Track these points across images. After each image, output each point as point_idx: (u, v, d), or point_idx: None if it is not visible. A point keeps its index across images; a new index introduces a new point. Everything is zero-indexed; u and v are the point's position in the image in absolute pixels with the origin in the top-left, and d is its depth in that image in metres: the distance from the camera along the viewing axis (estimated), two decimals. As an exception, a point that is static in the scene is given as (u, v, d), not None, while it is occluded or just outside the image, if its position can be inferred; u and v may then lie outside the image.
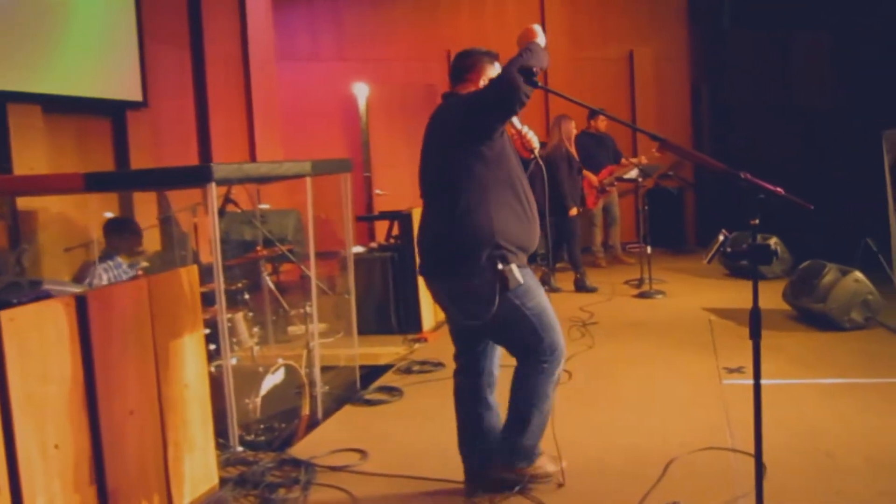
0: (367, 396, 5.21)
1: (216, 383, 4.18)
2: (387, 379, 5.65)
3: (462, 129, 3.40)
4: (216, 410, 4.05)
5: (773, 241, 8.85)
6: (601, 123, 10.00)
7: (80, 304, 3.13)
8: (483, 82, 3.56)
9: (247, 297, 5.48)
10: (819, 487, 3.56)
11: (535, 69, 3.23)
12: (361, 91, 10.85)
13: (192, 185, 4.56)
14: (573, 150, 8.55)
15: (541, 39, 3.47)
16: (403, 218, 7.27)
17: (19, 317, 2.83)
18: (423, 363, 5.87)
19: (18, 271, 5.41)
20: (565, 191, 8.32)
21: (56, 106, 6.43)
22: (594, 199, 9.88)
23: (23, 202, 5.83)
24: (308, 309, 5.28)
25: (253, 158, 8.95)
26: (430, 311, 7.21)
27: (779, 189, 2.60)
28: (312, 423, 4.86)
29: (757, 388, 2.66)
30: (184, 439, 3.66)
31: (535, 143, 3.64)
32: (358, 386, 5.46)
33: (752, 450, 3.81)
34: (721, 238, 7.83)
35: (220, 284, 4.22)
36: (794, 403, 4.72)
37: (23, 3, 6.14)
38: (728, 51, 12.12)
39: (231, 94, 8.94)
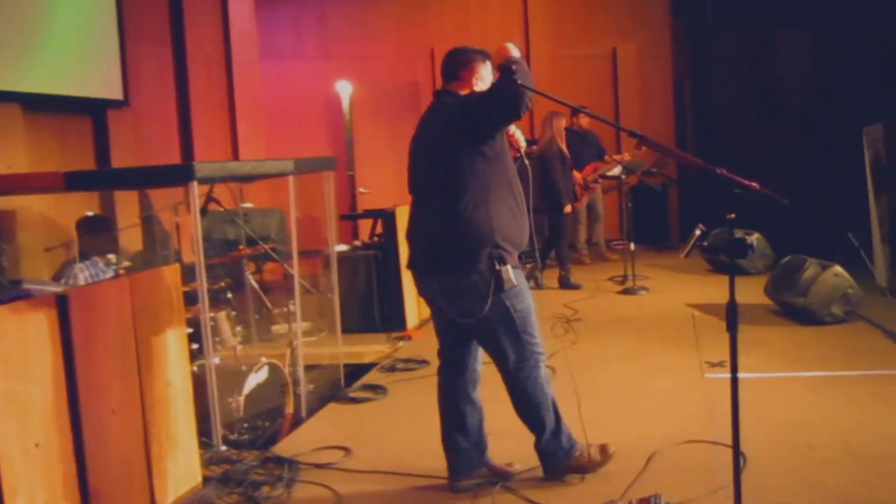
0: (352, 394, 5.22)
1: (199, 382, 4.17)
2: (371, 377, 5.65)
3: (464, 129, 3.43)
4: (199, 409, 4.04)
5: (755, 237, 8.98)
6: (584, 120, 10.04)
7: (62, 303, 3.11)
8: (476, 80, 3.60)
9: (230, 296, 5.47)
10: (799, 479, 3.60)
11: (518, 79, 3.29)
12: (345, 89, 10.83)
13: (173, 184, 4.54)
14: (564, 147, 8.58)
15: (515, 54, 3.51)
16: (387, 216, 7.26)
17: (-1, 316, 2.82)
18: (407, 361, 5.88)
19: (-1, 271, 5.38)
20: (560, 187, 8.35)
21: (36, 105, 6.38)
22: (579, 197, 9.92)
23: (2, 201, 5.79)
24: (291, 307, 5.28)
25: (236, 157, 8.91)
26: (414, 309, 7.22)
27: (754, 184, 2.62)
28: (296, 422, 4.85)
29: (734, 379, 2.69)
30: (167, 438, 3.65)
31: (522, 143, 3.71)
32: (342, 384, 5.46)
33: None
34: (697, 232, 7.92)
35: (202, 283, 4.22)
36: (776, 396, 4.77)
37: (2, 1, 6.09)
38: (711, 48, 12.20)
39: (213, 92, 8.89)
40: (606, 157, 9.93)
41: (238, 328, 5.42)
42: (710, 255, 9.09)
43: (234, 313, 5.35)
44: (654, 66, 12.22)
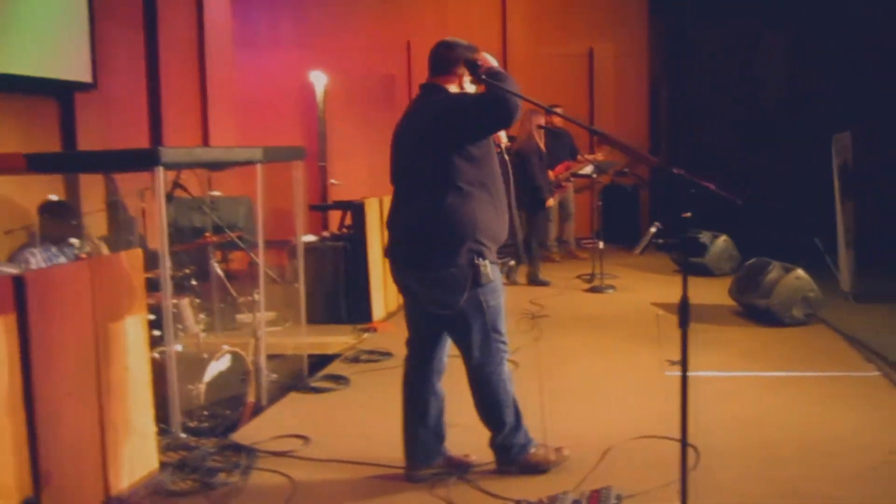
0: (314, 384, 5.21)
1: (160, 369, 4.15)
2: (334, 367, 5.65)
3: (453, 130, 3.44)
4: (159, 396, 4.03)
5: (723, 239, 9.09)
6: (557, 119, 10.06)
7: (19, 285, 3.09)
8: (465, 76, 3.61)
9: (194, 283, 5.44)
10: (750, 474, 3.66)
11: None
12: (320, 80, 10.78)
13: (138, 169, 4.49)
14: (541, 144, 8.63)
15: (495, 64, 3.57)
16: (356, 208, 7.25)
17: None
18: (371, 352, 5.88)
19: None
20: (539, 183, 8.41)
21: (0, 85, 6.30)
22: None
23: (-36, 183, 5.72)
24: (256, 297, 5.26)
25: (206, 144, 8.85)
26: (380, 302, 7.22)
27: (711, 185, 2.66)
28: (257, 410, 4.85)
29: (684, 374, 2.74)
30: (123, 423, 3.63)
31: (504, 139, 3.79)
32: (305, 374, 5.45)
33: (690, 438, 3.91)
34: (653, 230, 8.00)
35: (165, 270, 4.20)
36: (734, 395, 4.84)
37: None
38: (688, 50, 12.28)
39: (185, 78, 8.82)
40: (579, 157, 9.98)
41: (202, 316, 5.39)
42: (665, 252, 9.23)
43: (197, 301, 5.33)
44: (630, 66, 12.31)
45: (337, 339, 6.40)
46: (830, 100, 10.43)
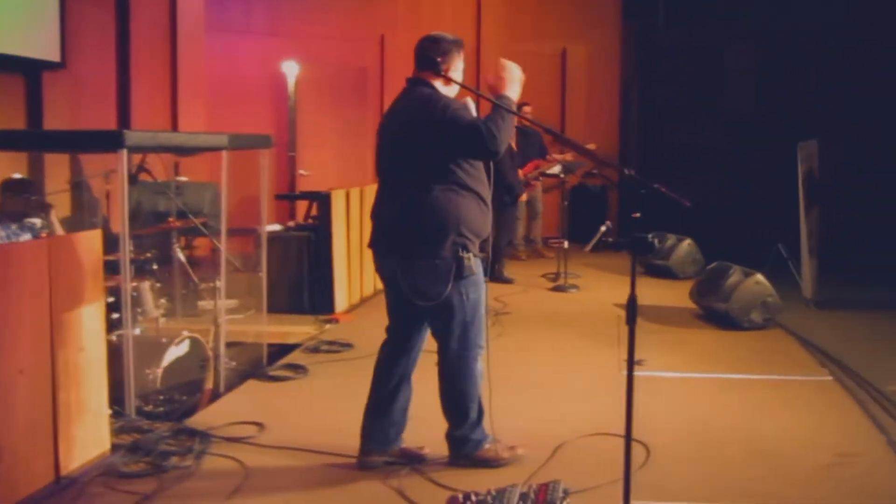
0: (272, 373, 5.21)
1: (117, 352, 4.13)
2: (293, 357, 5.65)
3: (440, 141, 3.47)
4: (116, 379, 4.01)
5: (687, 243, 9.20)
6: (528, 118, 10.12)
7: (-28, 260, 3.07)
8: (453, 72, 3.65)
9: (155, 267, 5.40)
10: (699, 472, 3.73)
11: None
12: (292, 69, 10.72)
13: (102, 150, 4.48)
14: (512, 143, 8.68)
15: (516, 77, 3.65)
16: (322, 198, 7.24)
17: None
18: (331, 343, 5.89)
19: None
20: (511, 180, 8.46)
21: (-36, 61, 6.23)
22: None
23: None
24: (217, 284, 5.25)
25: (175, 129, 8.79)
26: (343, 293, 7.22)
27: (661, 187, 2.72)
28: (214, 397, 4.84)
29: (630, 370, 2.80)
30: (76, 403, 3.62)
31: None
32: (264, 362, 5.45)
33: (642, 436, 3.99)
34: (603, 228, 8.05)
35: (125, 252, 4.19)
36: (689, 395, 4.92)
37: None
38: (660, 55, 12.41)
39: (156, 61, 8.74)
40: (548, 157, 10.05)
41: (162, 301, 5.37)
42: (616, 250, 9.44)
43: (158, 285, 5.30)
44: (602, 68, 12.39)
45: (298, 329, 6.40)
46: (797, 107, 10.60)
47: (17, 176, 5.45)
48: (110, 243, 4.34)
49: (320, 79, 10.91)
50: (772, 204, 9.53)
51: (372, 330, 6.40)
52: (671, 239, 9.31)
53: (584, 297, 8.06)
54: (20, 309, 3.29)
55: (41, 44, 6.93)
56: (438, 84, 3.63)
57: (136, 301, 4.90)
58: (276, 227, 7.34)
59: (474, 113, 3.65)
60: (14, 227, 4.87)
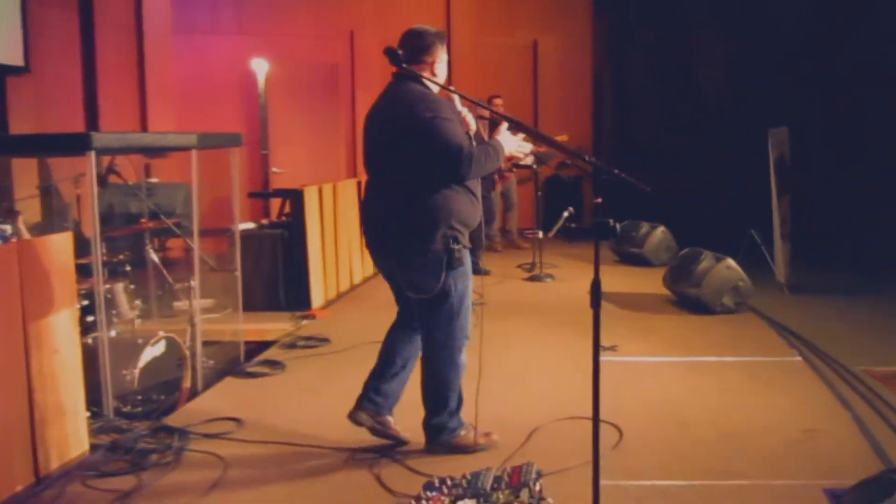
0: (249, 370, 5.24)
1: (93, 354, 4.15)
2: (270, 353, 5.67)
3: (419, 144, 3.52)
4: (92, 381, 4.03)
5: (661, 230, 9.30)
6: (499, 109, 10.18)
7: (-58, 265, 3.08)
8: (436, 64, 3.69)
9: (128, 269, 5.40)
10: (668, 453, 3.82)
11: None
12: (261, 67, 10.70)
13: (70, 153, 4.48)
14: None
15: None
16: (296, 195, 7.26)
17: None
18: (308, 339, 5.92)
19: None
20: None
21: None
22: (496, 182, 10.08)
23: None
24: (192, 284, 5.26)
25: (144, 131, 8.75)
26: (319, 289, 7.25)
27: (622, 173, 2.80)
28: (193, 395, 4.86)
29: (596, 353, 2.87)
30: (53, 405, 3.63)
31: (473, 126, 3.88)
32: (241, 360, 5.47)
33: (615, 419, 4.08)
34: (566, 214, 8.16)
35: (97, 254, 4.19)
36: (659, 379, 5.00)
37: None
38: (632, 45, 12.48)
39: (123, 63, 8.70)
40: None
41: (137, 302, 5.37)
42: (579, 237, 9.91)
43: (132, 287, 5.30)
44: (574, 59, 12.46)
45: (275, 326, 6.41)
46: (768, 95, 10.72)
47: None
48: (82, 246, 4.35)
49: (291, 76, 10.90)
50: (744, 190, 9.63)
51: (348, 325, 6.51)
52: (645, 227, 9.41)
53: (559, 286, 8.14)
54: (-8, 313, 3.31)
55: (4, 49, 6.88)
56: (425, 77, 3.66)
57: (111, 303, 4.90)
58: (250, 226, 7.34)
59: (459, 106, 3.71)
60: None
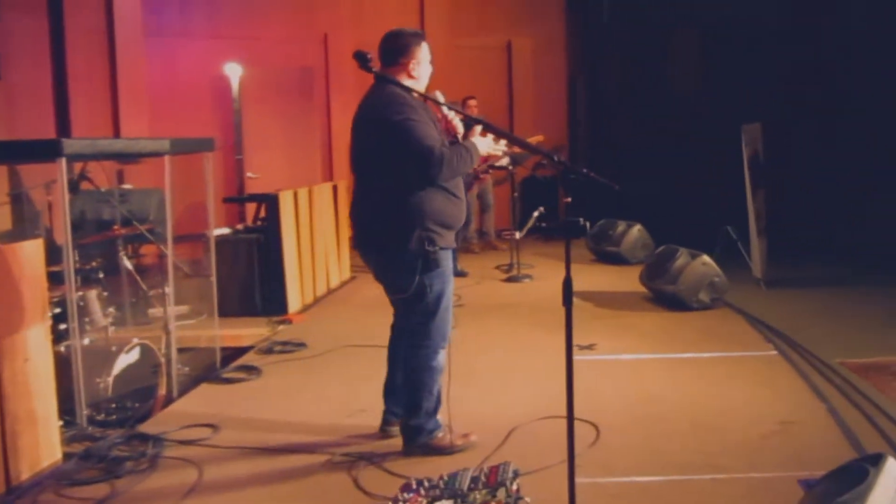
0: (225, 375, 5.20)
1: (65, 363, 4.10)
2: (246, 359, 5.63)
3: (393, 145, 3.53)
4: (65, 389, 3.98)
5: (637, 228, 9.35)
6: (473, 111, 10.19)
7: None
8: (413, 65, 3.70)
9: (101, 276, 5.35)
10: (646, 448, 3.83)
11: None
12: (235, 71, 10.62)
13: (40, 160, 4.42)
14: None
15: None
16: (271, 200, 7.22)
17: None
18: (284, 343, 5.89)
19: None
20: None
21: None
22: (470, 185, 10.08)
23: None
24: (166, 290, 5.21)
25: (117, 137, 8.67)
26: (296, 294, 7.21)
27: (591, 173, 2.81)
28: (168, 402, 4.81)
29: (569, 351, 2.88)
30: (24, 413, 3.59)
31: (460, 129, 3.90)
32: (217, 366, 5.43)
33: (592, 417, 4.09)
34: (536, 214, 8.17)
35: (69, 261, 4.14)
36: (637, 375, 5.03)
37: None
38: (605, 44, 12.54)
39: (94, 68, 8.60)
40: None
41: (111, 309, 5.31)
42: (549, 234, 10.07)
43: (105, 294, 5.25)
44: (548, 59, 12.50)
45: (251, 332, 6.38)
46: (740, 91, 10.81)
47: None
48: (54, 254, 4.30)
49: (264, 80, 10.83)
50: (719, 187, 9.70)
51: (325, 329, 6.48)
52: (621, 225, 9.45)
53: (537, 286, 8.15)
54: (-39, 322, 3.26)
55: (-27, 55, 6.81)
56: (402, 77, 3.67)
57: (84, 311, 4.85)
58: (225, 231, 7.29)
59: (441, 99, 3.70)
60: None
